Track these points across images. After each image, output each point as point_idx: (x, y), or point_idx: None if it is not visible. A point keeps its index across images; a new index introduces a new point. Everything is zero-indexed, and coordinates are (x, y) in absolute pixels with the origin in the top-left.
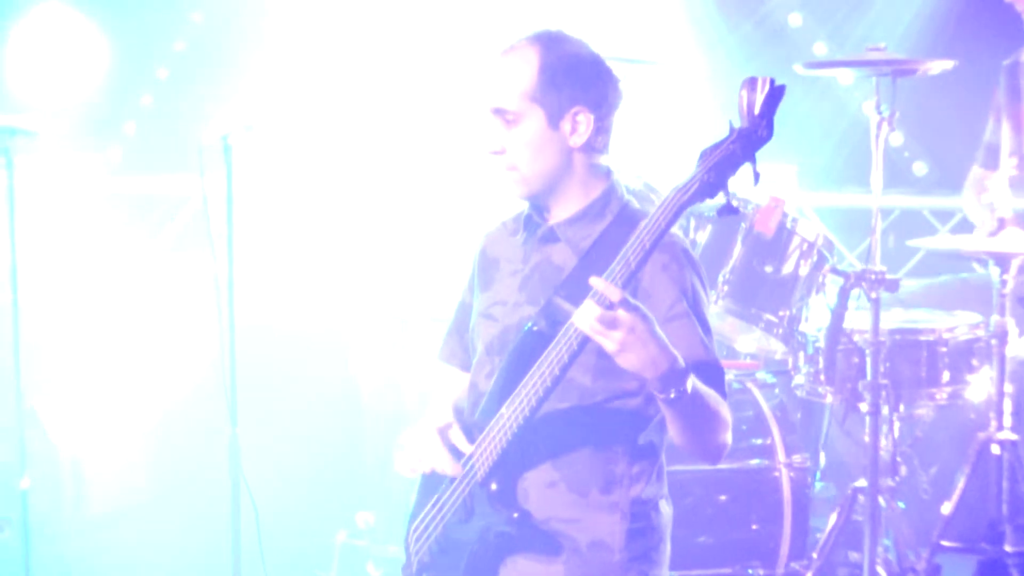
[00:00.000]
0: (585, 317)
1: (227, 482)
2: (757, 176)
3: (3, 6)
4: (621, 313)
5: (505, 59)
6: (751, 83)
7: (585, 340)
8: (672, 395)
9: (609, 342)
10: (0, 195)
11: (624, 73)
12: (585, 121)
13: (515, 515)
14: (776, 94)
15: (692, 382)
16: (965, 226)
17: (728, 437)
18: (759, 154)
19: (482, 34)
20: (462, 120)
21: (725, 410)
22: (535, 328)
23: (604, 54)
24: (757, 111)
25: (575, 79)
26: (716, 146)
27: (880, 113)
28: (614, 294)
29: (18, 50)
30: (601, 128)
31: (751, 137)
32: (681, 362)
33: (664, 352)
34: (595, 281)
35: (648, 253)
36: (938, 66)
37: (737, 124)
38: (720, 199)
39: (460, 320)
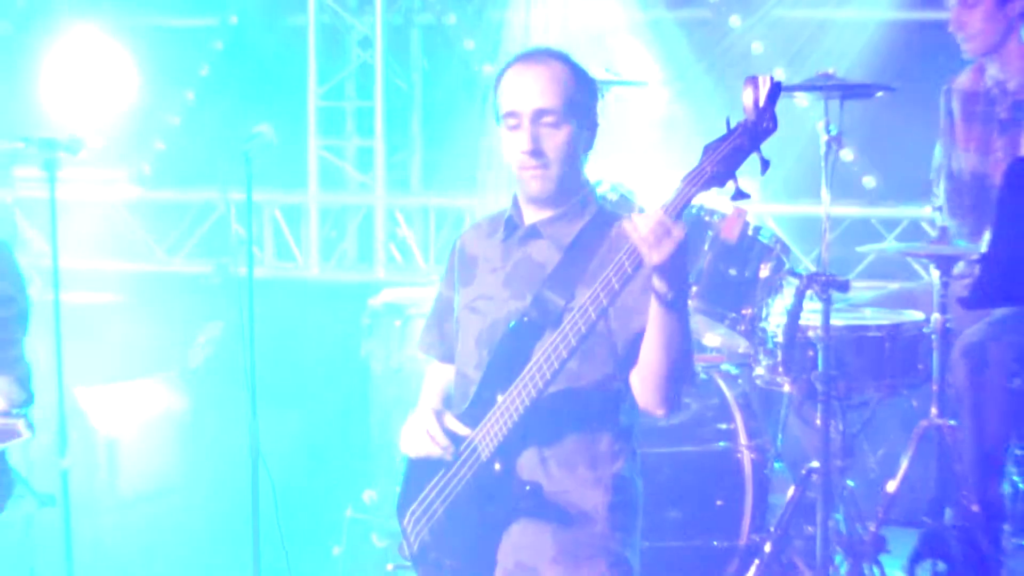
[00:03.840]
0: (642, 223)
1: (248, 463)
2: (765, 164)
3: (40, 30)
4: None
5: (542, 69)
6: (753, 81)
7: (594, 323)
8: (671, 296)
9: (651, 240)
10: (43, 203)
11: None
12: (591, 133)
13: (527, 488)
14: (776, 90)
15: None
16: (910, 234)
17: (690, 375)
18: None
19: None
20: None
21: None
22: (527, 319)
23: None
24: (762, 105)
25: (591, 95)
26: (723, 139)
27: (829, 132)
28: (669, 220)
29: (56, 72)
30: (593, 139)
31: (756, 129)
32: (688, 280)
33: (682, 260)
34: (655, 212)
35: (683, 206)
36: (882, 90)
37: (734, 122)
38: (710, 194)
39: (439, 313)
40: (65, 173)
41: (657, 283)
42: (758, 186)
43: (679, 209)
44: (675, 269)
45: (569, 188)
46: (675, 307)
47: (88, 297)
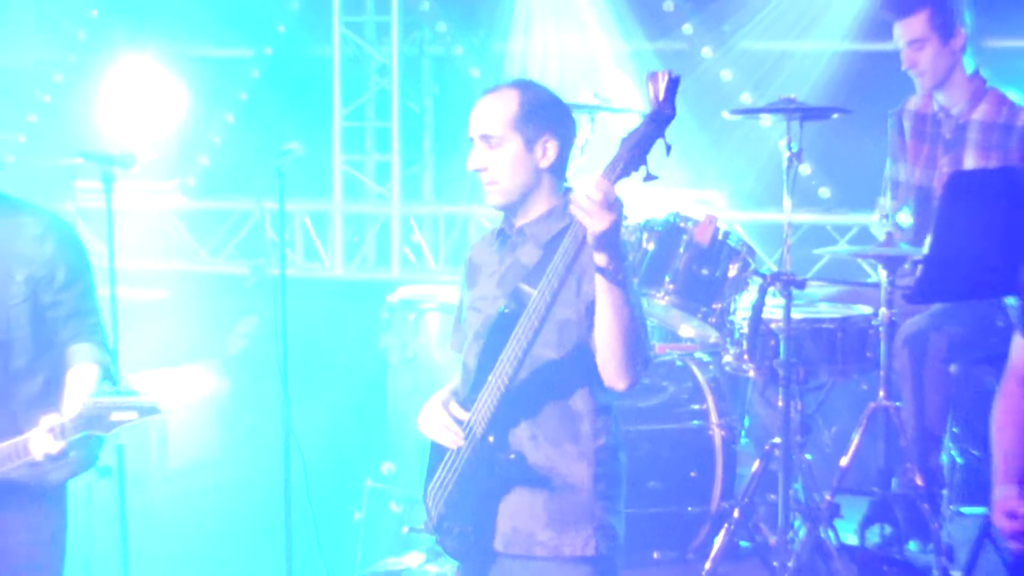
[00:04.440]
0: (582, 198)
1: (280, 439)
2: (668, 148)
3: (100, 61)
4: (613, 198)
5: (491, 97)
6: (653, 76)
7: (550, 305)
8: (613, 265)
9: (593, 211)
10: (101, 212)
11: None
12: (553, 148)
13: (512, 456)
14: (674, 82)
15: (627, 257)
16: (860, 238)
17: (645, 347)
18: (670, 133)
19: None
20: None
21: (641, 311)
22: (506, 311)
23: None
24: (662, 97)
25: (546, 115)
26: (634, 131)
27: (790, 149)
28: (608, 187)
29: (113, 96)
30: (563, 155)
31: (659, 117)
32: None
33: (618, 226)
34: (596, 181)
35: (622, 173)
36: (837, 112)
37: (645, 109)
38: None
39: (458, 316)
40: (120, 185)
41: (598, 257)
42: (726, 196)
43: (617, 175)
44: (614, 240)
45: (533, 195)
46: (618, 281)
47: (140, 294)
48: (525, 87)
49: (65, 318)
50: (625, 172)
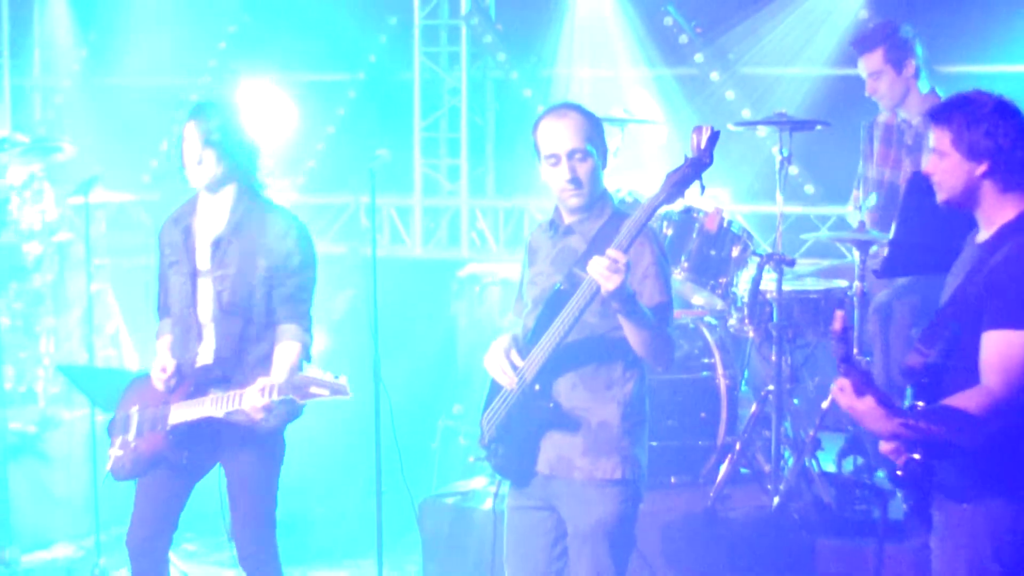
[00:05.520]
0: (597, 264)
1: (372, 387)
2: (703, 188)
3: (228, 82)
4: (621, 263)
5: (568, 120)
6: (698, 129)
7: (596, 291)
8: (628, 309)
9: (605, 275)
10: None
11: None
12: (603, 157)
13: (550, 404)
14: (714, 136)
15: (636, 305)
16: (838, 226)
17: (667, 350)
18: (705, 174)
19: None
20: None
21: (661, 330)
22: (561, 288)
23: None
24: (703, 146)
25: (600, 131)
26: (676, 170)
27: (782, 153)
28: (620, 255)
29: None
30: (606, 161)
31: (698, 163)
32: (632, 294)
33: (626, 290)
34: (609, 250)
35: (636, 236)
36: (819, 124)
37: (689, 155)
38: (679, 204)
39: (519, 289)
40: None
41: (613, 304)
42: (730, 192)
43: (628, 243)
44: (623, 294)
45: (594, 198)
46: (631, 317)
47: None
48: (585, 111)
49: (283, 301)
50: (665, 203)
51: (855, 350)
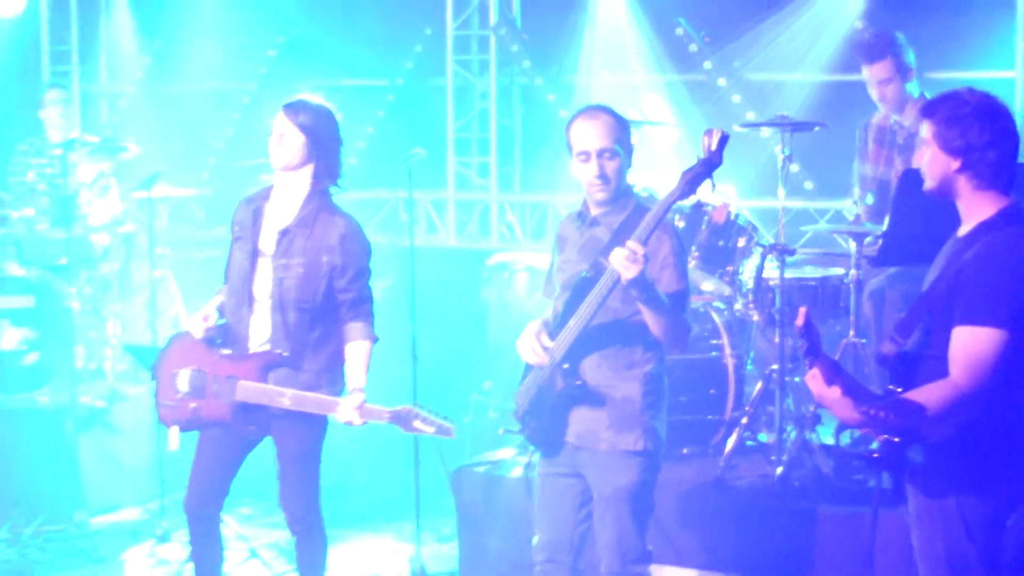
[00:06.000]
0: (617, 254)
1: (410, 363)
2: (714, 186)
3: (275, 89)
4: (639, 255)
5: (600, 121)
6: (710, 132)
7: (618, 279)
8: (646, 296)
9: (625, 265)
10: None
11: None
12: (629, 156)
13: (578, 382)
14: (724, 138)
15: (654, 292)
16: (835, 219)
17: (683, 334)
18: (715, 173)
19: None
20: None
21: (677, 315)
22: (587, 275)
23: (640, 117)
24: (713, 148)
25: (628, 133)
26: (690, 169)
27: (783, 152)
28: (639, 247)
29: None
30: (631, 160)
31: (709, 163)
32: (650, 282)
33: (645, 278)
34: (629, 242)
35: (653, 229)
36: (817, 126)
37: (701, 155)
38: (690, 199)
39: (549, 273)
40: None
41: (633, 292)
42: (736, 188)
43: (647, 235)
44: (642, 282)
45: (619, 193)
46: (650, 304)
47: None
48: (615, 113)
49: (350, 301)
50: (679, 199)
51: (851, 332)
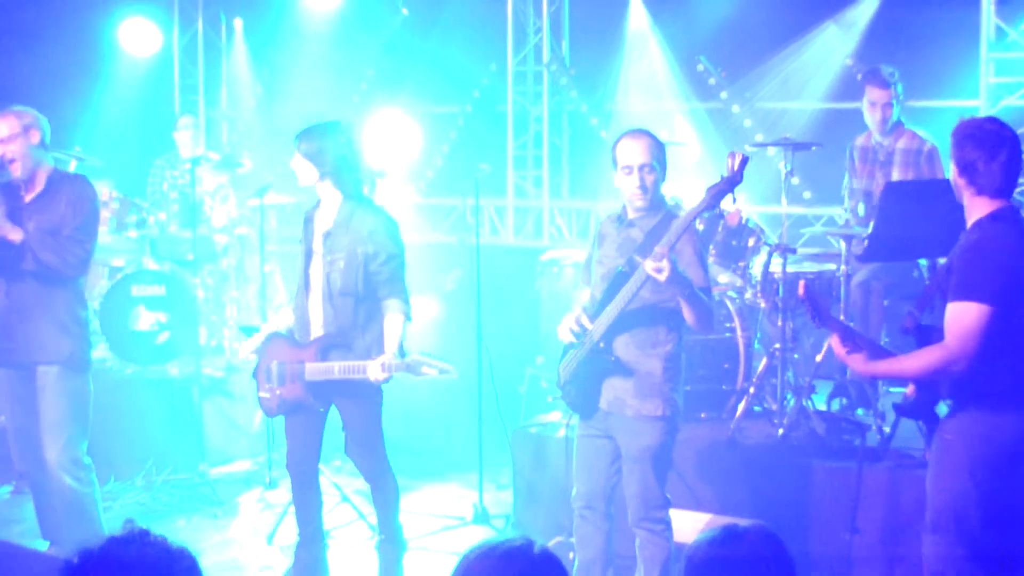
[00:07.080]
0: (648, 263)
1: (475, 343)
2: (735, 199)
3: (368, 112)
4: (665, 262)
5: (642, 141)
6: (733, 154)
7: (647, 277)
8: (685, 292)
9: (657, 270)
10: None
11: (674, 149)
12: (664, 171)
13: (612, 358)
14: (745, 160)
15: (692, 289)
16: (829, 223)
17: (710, 319)
18: (737, 189)
19: None
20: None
21: (707, 306)
22: (623, 270)
23: (669, 138)
24: (736, 168)
25: (663, 153)
26: (714, 185)
27: (786, 168)
28: (664, 252)
29: (376, 133)
30: (665, 174)
31: (732, 181)
32: (688, 280)
33: (680, 276)
34: (657, 247)
35: (681, 234)
36: (815, 145)
37: (725, 174)
38: (716, 211)
39: (587, 265)
40: (381, 188)
41: (672, 288)
42: (747, 197)
43: (676, 239)
44: (676, 279)
45: (654, 202)
46: (686, 298)
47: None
48: (654, 136)
49: (385, 282)
50: (705, 210)
51: (841, 316)
